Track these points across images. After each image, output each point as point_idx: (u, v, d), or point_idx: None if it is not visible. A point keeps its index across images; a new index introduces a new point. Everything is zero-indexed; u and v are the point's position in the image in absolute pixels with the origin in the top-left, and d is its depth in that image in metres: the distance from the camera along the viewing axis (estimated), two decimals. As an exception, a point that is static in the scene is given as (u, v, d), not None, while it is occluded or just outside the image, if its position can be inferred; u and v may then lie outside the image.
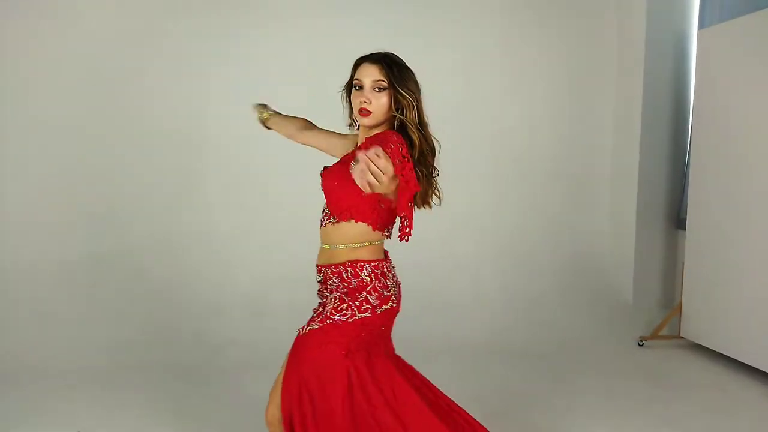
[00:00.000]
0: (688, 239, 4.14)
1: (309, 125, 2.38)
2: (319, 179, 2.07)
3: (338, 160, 2.12)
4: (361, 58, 2.00)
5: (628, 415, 3.11)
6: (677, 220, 4.78)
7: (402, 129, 1.96)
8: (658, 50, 4.71)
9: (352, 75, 2.01)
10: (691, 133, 4.43)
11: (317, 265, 2.09)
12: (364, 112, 1.95)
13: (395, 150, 1.79)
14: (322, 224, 2.06)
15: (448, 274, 4.66)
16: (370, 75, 1.95)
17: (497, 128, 4.91)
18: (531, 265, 4.84)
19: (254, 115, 2.45)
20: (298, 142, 2.36)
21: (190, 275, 4.36)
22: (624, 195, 4.94)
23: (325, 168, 2.10)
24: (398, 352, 3.88)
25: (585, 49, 5.02)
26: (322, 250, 2.07)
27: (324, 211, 2.07)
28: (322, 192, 2.05)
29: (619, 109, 5.01)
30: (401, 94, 1.93)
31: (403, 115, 1.94)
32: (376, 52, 2.00)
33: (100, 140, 4.35)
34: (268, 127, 2.45)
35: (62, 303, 4.11)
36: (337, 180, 1.98)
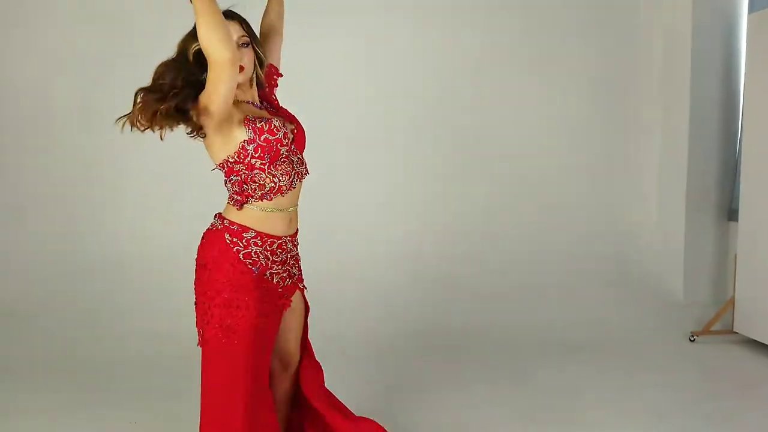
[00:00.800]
0: (741, 231, 4.02)
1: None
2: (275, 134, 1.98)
3: (263, 118, 2.01)
4: None
5: (679, 411, 3.04)
6: (728, 211, 4.64)
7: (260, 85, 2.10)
8: (706, 35, 4.57)
9: None
10: (742, 120, 4.29)
11: (289, 236, 2.09)
12: (239, 69, 1.92)
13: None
14: (293, 185, 2.04)
15: (491, 268, 4.65)
16: (235, 32, 1.95)
17: (540, 116, 4.87)
18: (577, 258, 4.78)
19: None
20: (223, 47, 1.80)
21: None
22: (673, 185, 4.81)
23: (266, 122, 1.97)
24: (442, 345, 3.88)
25: (629, 35, 4.93)
26: (290, 216, 2.07)
27: (293, 169, 2.04)
28: (291, 147, 2.04)
29: (666, 97, 4.88)
30: (260, 47, 2.04)
31: (261, 68, 2.08)
32: (225, 9, 1.94)
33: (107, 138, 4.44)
34: None
35: (98, 297, 4.24)
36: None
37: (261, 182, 1.98)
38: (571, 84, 4.88)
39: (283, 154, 1.99)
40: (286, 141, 2.00)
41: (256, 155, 1.94)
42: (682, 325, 4.25)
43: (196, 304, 2.06)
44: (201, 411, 2.08)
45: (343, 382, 2.95)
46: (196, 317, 2.05)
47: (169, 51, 1.97)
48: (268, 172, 1.97)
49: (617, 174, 5.00)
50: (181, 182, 4.46)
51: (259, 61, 2.07)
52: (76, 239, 4.46)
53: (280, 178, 1.99)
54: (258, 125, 1.94)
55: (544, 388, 3.32)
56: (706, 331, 4.05)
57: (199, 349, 2.03)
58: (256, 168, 1.96)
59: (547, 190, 4.88)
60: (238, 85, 1.98)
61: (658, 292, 4.72)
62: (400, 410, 3.06)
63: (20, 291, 4.25)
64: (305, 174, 2.10)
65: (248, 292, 1.98)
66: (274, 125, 1.97)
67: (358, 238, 4.60)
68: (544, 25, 4.82)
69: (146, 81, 1.92)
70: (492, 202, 4.82)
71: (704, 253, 4.72)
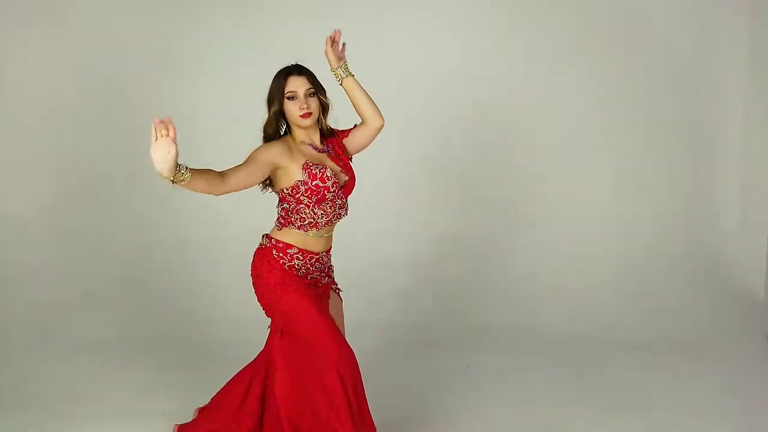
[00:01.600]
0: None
1: (219, 174, 2.21)
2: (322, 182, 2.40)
3: (323, 161, 2.45)
4: (286, 73, 2.39)
5: (757, 414, 2.97)
6: (817, 206, 4.43)
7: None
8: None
9: (280, 88, 2.37)
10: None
11: (324, 251, 2.53)
12: (306, 116, 2.36)
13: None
14: (330, 223, 2.47)
15: (563, 265, 4.55)
16: (303, 85, 2.37)
17: (613, 112, 4.71)
18: (651, 256, 4.62)
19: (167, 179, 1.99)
20: (219, 194, 2.20)
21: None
22: (755, 180, 4.62)
23: (321, 169, 2.40)
24: (511, 341, 3.86)
25: (712, 22, 4.69)
26: (326, 239, 2.51)
27: (334, 211, 2.46)
28: (338, 193, 2.44)
29: (750, 86, 4.65)
30: (325, 96, 2.43)
31: (324, 114, 2.46)
32: (293, 65, 2.41)
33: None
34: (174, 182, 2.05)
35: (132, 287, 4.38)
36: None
37: (303, 215, 2.40)
38: (641, 70, 4.69)
39: (328, 198, 2.39)
40: (334, 189, 2.40)
41: (306, 195, 2.37)
42: (763, 327, 4.08)
43: (260, 304, 2.53)
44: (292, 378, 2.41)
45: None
46: (265, 312, 2.53)
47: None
48: (311, 210, 2.40)
49: (694, 167, 4.80)
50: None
51: (323, 109, 2.44)
52: (149, 223, 4.62)
53: (321, 216, 2.41)
54: (314, 171, 2.37)
55: (613, 387, 3.27)
56: (788, 332, 3.89)
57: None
58: (303, 204, 2.38)
59: (623, 185, 4.74)
60: (305, 128, 2.43)
61: (737, 291, 4.52)
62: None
63: (95, 273, 4.44)
64: (344, 215, 2.51)
65: (297, 280, 2.44)
66: (327, 175, 2.38)
67: (394, 239, 4.63)
68: (608, 17, 4.66)
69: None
70: (560, 193, 4.73)
71: (788, 249, 4.51)
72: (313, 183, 2.35)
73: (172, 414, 2.93)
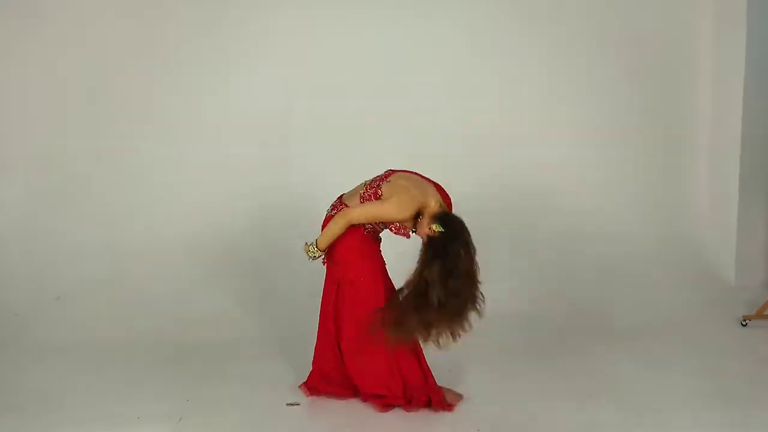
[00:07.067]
0: (798, 212, 3.88)
1: None
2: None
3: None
4: None
5: (729, 396, 3.02)
6: (785, 190, 4.49)
7: None
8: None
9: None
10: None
11: None
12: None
13: None
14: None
15: (530, 253, 4.58)
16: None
17: (579, 93, 4.73)
18: (623, 241, 4.68)
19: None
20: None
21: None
22: (725, 163, 4.65)
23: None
24: (482, 327, 3.84)
25: (680, 10, 4.74)
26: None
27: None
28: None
29: (718, 67, 4.69)
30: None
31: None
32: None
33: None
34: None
35: (168, 280, 4.37)
36: None
37: None
38: (609, 53, 4.73)
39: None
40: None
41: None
42: (734, 310, 4.13)
43: None
44: None
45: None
46: None
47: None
48: None
49: (663, 150, 4.84)
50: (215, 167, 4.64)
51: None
52: (123, 222, 4.58)
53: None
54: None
55: (586, 374, 3.29)
56: (759, 315, 3.93)
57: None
58: None
59: (585, 168, 4.75)
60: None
61: (709, 274, 4.59)
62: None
63: (66, 275, 4.38)
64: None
65: None
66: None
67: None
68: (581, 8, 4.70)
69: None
70: (533, 184, 4.74)
71: (758, 234, 4.57)
72: None
73: (147, 418, 2.89)
